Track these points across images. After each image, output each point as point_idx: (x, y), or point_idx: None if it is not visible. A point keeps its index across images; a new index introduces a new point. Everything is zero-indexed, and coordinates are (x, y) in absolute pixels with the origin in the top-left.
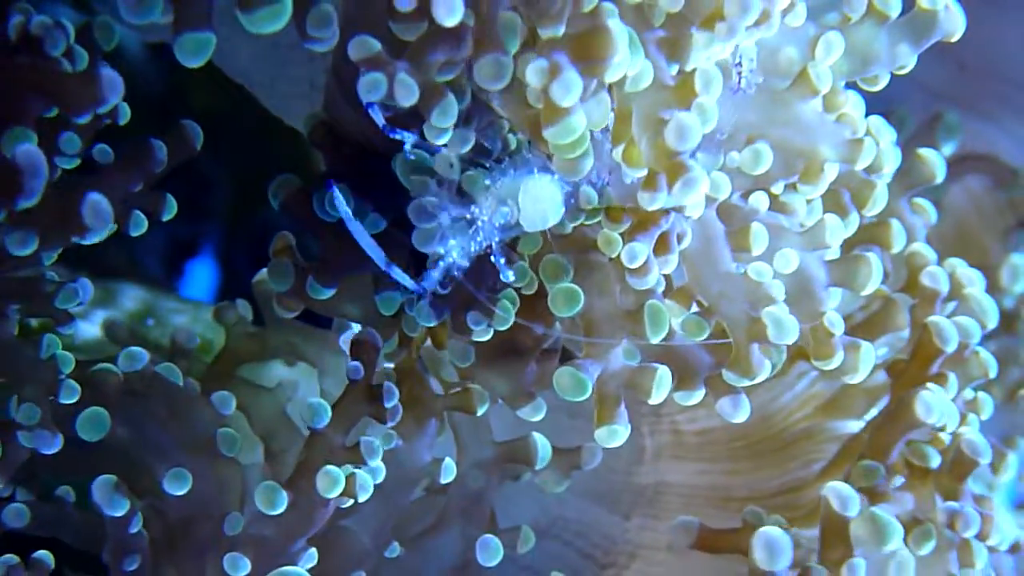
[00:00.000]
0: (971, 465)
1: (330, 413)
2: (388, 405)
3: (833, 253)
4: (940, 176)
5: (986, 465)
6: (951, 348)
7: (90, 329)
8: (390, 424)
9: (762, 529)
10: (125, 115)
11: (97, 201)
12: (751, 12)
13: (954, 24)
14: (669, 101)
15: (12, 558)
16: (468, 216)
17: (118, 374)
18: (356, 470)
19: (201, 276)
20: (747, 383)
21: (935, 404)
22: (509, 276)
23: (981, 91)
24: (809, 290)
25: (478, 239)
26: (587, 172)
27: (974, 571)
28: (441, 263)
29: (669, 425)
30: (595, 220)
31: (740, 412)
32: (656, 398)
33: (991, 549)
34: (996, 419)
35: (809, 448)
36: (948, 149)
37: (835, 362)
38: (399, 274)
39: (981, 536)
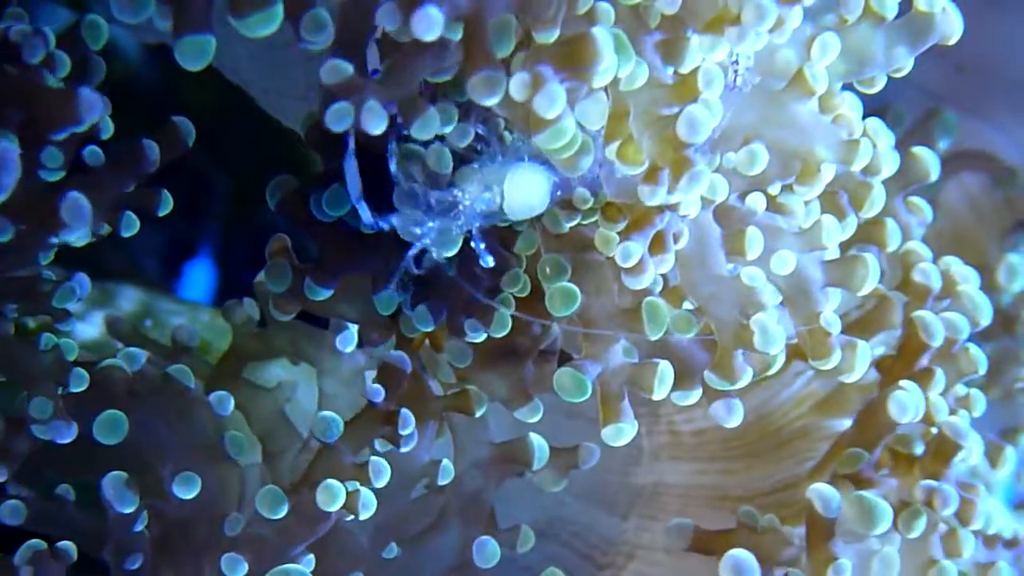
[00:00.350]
0: (953, 448)
1: (342, 427)
2: (404, 432)
3: (831, 254)
4: (935, 174)
5: (983, 460)
6: (936, 343)
7: (88, 330)
8: (403, 449)
9: (730, 552)
10: (108, 130)
11: (75, 199)
12: (767, 20)
13: (951, 27)
14: (669, 99)
15: (39, 543)
16: (450, 199)
17: (124, 371)
18: (361, 487)
19: (199, 277)
20: (728, 387)
21: (909, 403)
22: (488, 262)
23: (979, 91)
24: (806, 291)
25: (459, 223)
26: (587, 168)
27: (961, 559)
28: (417, 244)
29: (667, 426)
30: (592, 219)
31: (733, 416)
32: (659, 394)
33: (983, 537)
34: (995, 416)
35: (804, 447)
36: (944, 145)
37: (832, 362)
38: (363, 210)
39: (962, 518)
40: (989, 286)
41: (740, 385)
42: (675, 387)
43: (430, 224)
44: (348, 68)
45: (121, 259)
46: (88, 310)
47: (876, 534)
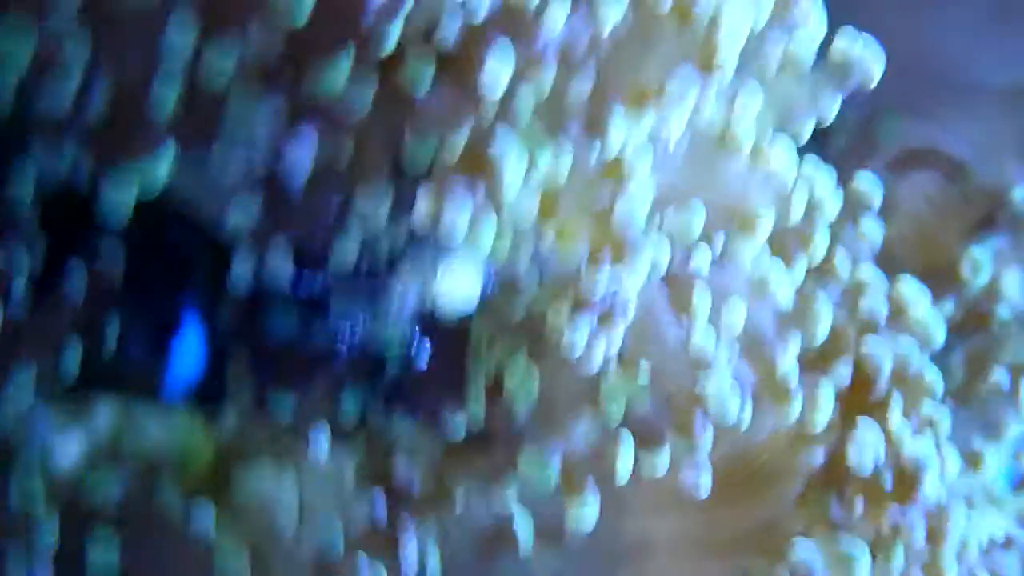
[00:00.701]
0: (914, 479)
1: (342, 544)
2: (405, 552)
3: (784, 300)
4: (878, 199)
5: (965, 471)
6: (886, 372)
7: (67, 452)
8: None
9: None
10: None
11: None
12: (691, 93)
13: (871, 68)
14: (600, 181)
15: None
16: (384, 294)
17: (108, 494)
18: None
19: (178, 376)
20: (692, 452)
21: (867, 448)
22: (425, 355)
23: (920, 90)
24: (760, 343)
25: (391, 318)
26: (526, 259)
27: None
28: (346, 340)
29: (648, 479)
30: (540, 301)
31: (702, 481)
32: (623, 472)
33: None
34: (976, 415)
35: (782, 485)
36: (891, 147)
37: (794, 411)
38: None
39: (932, 541)
40: (958, 283)
41: (704, 449)
42: (640, 457)
43: (359, 324)
44: (253, 209)
45: (93, 369)
46: (64, 430)
47: None
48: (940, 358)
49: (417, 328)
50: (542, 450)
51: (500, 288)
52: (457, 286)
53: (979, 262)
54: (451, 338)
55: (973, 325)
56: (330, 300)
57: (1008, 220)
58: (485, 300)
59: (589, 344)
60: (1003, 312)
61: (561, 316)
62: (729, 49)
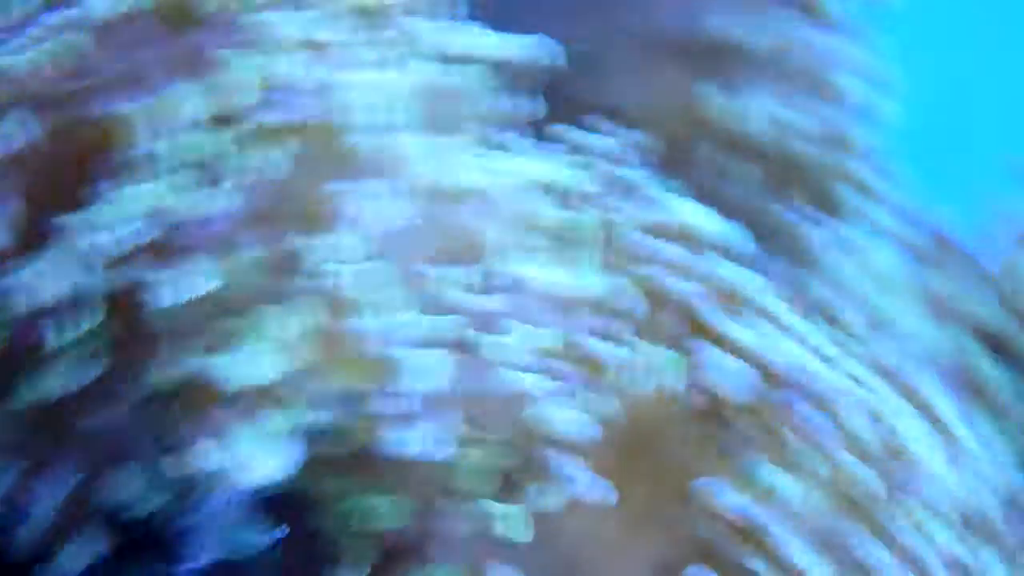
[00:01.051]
0: (783, 374)
1: None
2: None
3: (560, 288)
4: (593, 139)
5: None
6: (690, 298)
7: None
8: None
9: None
10: None
11: None
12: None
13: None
14: (330, 320)
15: None
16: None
17: None
18: None
19: None
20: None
21: (715, 367)
22: (276, 534)
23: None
24: (579, 347)
25: (226, 524)
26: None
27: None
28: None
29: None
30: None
31: (597, 490)
32: (519, 535)
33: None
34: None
35: (670, 435)
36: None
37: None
38: None
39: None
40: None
41: (576, 467)
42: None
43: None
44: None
45: None
46: None
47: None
48: (763, 221)
49: (257, 517)
50: (433, 565)
51: (312, 441)
52: (268, 461)
53: (717, 103)
54: (295, 506)
55: (768, 169)
56: (164, 548)
57: (715, 52)
58: (308, 456)
59: (424, 446)
60: (769, 138)
61: (383, 438)
62: (371, 132)
